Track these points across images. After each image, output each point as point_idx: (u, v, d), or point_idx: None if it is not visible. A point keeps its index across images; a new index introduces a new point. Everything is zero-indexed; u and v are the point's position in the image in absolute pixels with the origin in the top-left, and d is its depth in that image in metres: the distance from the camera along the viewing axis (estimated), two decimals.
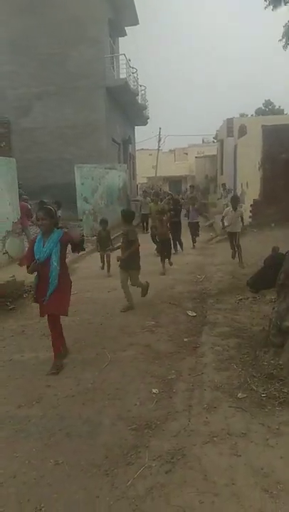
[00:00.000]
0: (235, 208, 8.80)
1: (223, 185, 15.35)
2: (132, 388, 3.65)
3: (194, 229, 11.74)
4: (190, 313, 5.72)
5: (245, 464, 2.51)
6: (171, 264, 8.87)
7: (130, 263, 6.15)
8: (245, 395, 3.33)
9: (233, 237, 8.89)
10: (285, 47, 6.47)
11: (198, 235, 11.92)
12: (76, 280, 7.98)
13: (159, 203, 12.40)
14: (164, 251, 8.71)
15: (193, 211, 11.76)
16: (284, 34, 6.53)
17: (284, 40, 6.67)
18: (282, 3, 6.00)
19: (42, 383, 3.82)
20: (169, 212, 9.80)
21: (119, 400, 3.44)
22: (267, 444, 2.70)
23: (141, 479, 2.44)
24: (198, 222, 11.93)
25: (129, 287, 6.20)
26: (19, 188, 14.15)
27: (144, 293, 6.51)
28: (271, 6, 5.99)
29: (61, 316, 4.35)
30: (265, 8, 6.08)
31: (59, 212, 9.46)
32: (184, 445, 2.74)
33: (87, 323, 5.57)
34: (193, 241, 11.73)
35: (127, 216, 6.44)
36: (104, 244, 8.62)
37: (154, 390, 3.58)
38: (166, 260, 8.75)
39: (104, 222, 8.98)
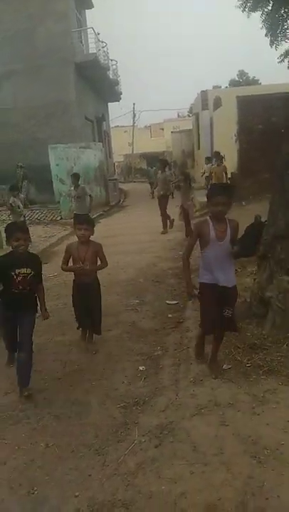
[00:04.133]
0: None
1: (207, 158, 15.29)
2: (119, 367, 3.66)
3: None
4: (170, 302, 5.32)
5: (233, 434, 2.56)
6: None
7: None
8: (230, 366, 3.38)
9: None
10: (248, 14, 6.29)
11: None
12: (57, 263, 7.92)
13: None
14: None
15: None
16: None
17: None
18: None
19: None
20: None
21: (107, 380, 3.45)
22: (253, 413, 2.75)
23: (132, 455, 2.47)
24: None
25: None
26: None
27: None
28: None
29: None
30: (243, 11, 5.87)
31: (12, 200, 9.15)
32: (173, 419, 2.78)
33: (71, 306, 5.50)
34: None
35: None
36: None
37: (140, 368, 3.60)
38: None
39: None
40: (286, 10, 5.74)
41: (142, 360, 3.75)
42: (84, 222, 3.99)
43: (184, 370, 3.47)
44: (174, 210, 10.41)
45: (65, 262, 4.04)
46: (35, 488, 2.30)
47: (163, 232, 10.29)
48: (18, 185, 14.41)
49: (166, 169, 18.08)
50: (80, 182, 10.04)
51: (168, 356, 3.77)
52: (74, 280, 4.20)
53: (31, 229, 6.85)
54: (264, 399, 2.90)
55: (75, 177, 9.99)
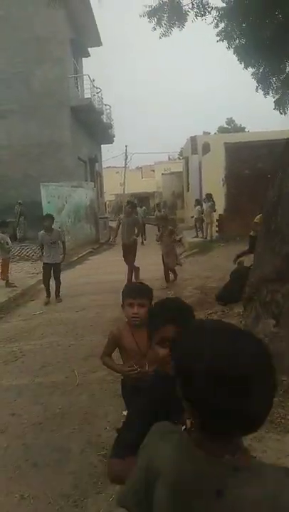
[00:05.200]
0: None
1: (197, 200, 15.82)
2: (102, 411, 3.55)
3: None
4: None
5: None
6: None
7: None
8: None
9: None
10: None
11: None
12: (42, 301, 7.85)
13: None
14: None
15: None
16: None
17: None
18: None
19: (6, 412, 3.66)
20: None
21: (89, 425, 3.34)
22: None
23: (111, 508, 2.34)
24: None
25: None
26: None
27: None
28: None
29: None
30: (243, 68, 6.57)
31: (1, 236, 9.17)
32: None
33: (56, 345, 5.42)
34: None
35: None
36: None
37: (124, 413, 3.48)
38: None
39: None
40: (269, 68, 6.22)
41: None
42: (138, 293, 2.46)
43: None
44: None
45: (109, 353, 2.71)
46: None
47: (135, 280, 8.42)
48: (16, 221, 14.56)
49: (139, 210, 17.85)
50: (54, 225, 8.15)
51: None
52: (122, 379, 2.71)
53: (19, 264, 6.83)
54: (250, 447, 2.81)
55: (49, 219, 7.89)
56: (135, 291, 2.53)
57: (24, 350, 5.30)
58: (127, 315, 2.48)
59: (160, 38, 5.88)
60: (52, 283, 7.89)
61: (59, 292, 7.98)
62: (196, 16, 5.65)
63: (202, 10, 5.63)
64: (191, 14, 5.68)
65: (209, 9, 5.63)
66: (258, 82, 6.63)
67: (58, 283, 7.99)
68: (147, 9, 5.71)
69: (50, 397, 3.90)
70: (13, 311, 7.39)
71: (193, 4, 5.64)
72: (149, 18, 5.72)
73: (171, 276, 8.55)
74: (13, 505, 2.46)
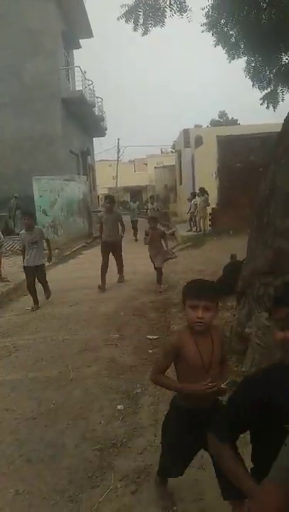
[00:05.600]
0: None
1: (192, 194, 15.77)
2: (96, 406, 3.55)
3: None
4: (150, 337, 5.22)
5: (212, 477, 2.47)
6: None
7: None
8: None
9: None
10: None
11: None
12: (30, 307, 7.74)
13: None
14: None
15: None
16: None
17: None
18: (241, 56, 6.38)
19: (0, 407, 3.64)
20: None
21: (83, 420, 3.34)
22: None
23: (107, 503, 2.35)
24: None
25: None
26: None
27: None
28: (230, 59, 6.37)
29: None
30: (229, 61, 6.45)
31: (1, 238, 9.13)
32: (150, 462, 2.68)
33: (50, 340, 5.41)
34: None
35: None
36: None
37: (118, 407, 3.50)
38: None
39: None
40: (262, 59, 6.17)
41: (121, 398, 3.65)
42: (205, 294, 1.98)
43: (162, 409, 3.38)
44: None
45: (164, 369, 2.12)
46: None
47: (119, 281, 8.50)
48: (12, 214, 14.44)
49: (133, 205, 17.65)
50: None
51: (147, 394, 3.68)
52: (174, 401, 2.21)
53: (12, 259, 6.76)
54: (244, 440, 2.83)
55: (29, 217, 7.15)
56: (201, 290, 1.99)
57: (17, 345, 5.28)
58: (189, 319, 2.01)
59: (142, 36, 5.76)
60: (39, 287, 7.19)
61: (49, 295, 7.32)
62: (175, 12, 5.47)
63: (179, 7, 5.45)
64: (169, 12, 5.49)
65: (187, 7, 5.46)
66: (251, 78, 6.57)
67: (46, 286, 7.29)
68: (124, 10, 5.52)
69: (44, 392, 3.89)
70: (5, 305, 7.35)
71: (170, 1, 5.45)
72: (126, 19, 5.55)
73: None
74: (8, 500, 2.46)
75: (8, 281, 8.70)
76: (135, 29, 5.62)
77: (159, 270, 7.86)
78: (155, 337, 5.16)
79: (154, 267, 7.96)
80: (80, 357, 4.72)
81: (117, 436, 3.04)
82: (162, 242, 7.82)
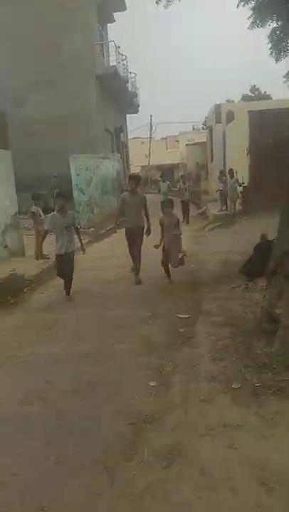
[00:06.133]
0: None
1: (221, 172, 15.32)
2: (130, 382, 3.71)
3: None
4: (181, 315, 5.26)
5: (241, 457, 2.57)
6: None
7: None
8: (239, 385, 3.38)
9: None
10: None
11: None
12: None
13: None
14: None
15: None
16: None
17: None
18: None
19: (42, 379, 3.87)
20: None
21: (118, 395, 3.50)
22: (262, 436, 2.76)
23: (140, 476, 2.49)
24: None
25: None
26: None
27: None
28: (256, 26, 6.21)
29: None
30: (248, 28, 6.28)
31: (35, 208, 9.35)
32: (181, 439, 2.80)
33: (87, 316, 5.62)
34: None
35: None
36: None
37: (151, 383, 3.63)
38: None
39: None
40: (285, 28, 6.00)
41: (153, 375, 3.78)
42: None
43: (193, 387, 3.49)
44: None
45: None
46: (45, 505, 2.32)
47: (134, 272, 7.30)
48: (51, 194, 14.74)
49: (162, 185, 17.06)
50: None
51: (178, 372, 3.80)
52: None
53: (51, 237, 6.95)
54: (272, 421, 2.90)
55: (61, 198, 6.63)
56: None
57: (57, 320, 5.54)
58: None
59: (165, 8, 5.80)
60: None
61: (70, 289, 6.49)
62: None
63: None
64: None
65: None
66: (273, 45, 6.40)
67: (71, 277, 6.47)
68: None
69: (81, 366, 4.10)
70: (46, 282, 7.60)
71: None
72: None
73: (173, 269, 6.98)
74: (50, 468, 2.65)
75: (49, 258, 8.90)
76: (157, 2, 5.67)
77: (166, 270, 6.93)
78: (186, 316, 5.27)
79: (165, 261, 6.91)
80: (114, 333, 4.90)
81: (149, 412, 3.17)
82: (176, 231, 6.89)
